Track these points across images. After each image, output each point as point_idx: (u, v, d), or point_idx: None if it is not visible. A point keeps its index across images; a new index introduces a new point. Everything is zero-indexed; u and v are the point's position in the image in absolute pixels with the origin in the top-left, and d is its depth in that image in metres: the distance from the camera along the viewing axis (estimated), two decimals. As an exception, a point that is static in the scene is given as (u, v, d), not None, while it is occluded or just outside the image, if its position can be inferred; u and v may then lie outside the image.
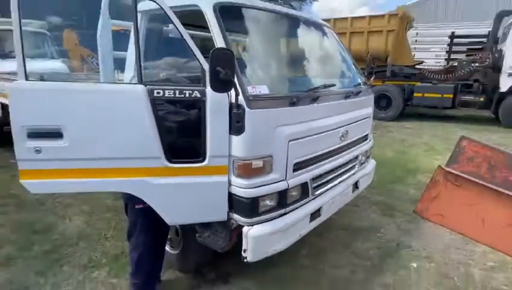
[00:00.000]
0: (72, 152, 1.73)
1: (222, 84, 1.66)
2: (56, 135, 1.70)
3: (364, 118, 2.91)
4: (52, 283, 2.53)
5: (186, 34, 1.79)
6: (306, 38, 2.81)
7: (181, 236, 2.47)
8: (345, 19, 10.70)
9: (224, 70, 1.61)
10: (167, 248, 2.61)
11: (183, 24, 1.80)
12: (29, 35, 7.08)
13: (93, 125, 1.74)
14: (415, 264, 2.80)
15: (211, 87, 1.66)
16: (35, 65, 6.11)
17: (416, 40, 13.10)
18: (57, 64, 6.47)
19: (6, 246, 3.02)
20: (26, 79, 1.66)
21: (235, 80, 1.70)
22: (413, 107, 10.36)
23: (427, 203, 3.61)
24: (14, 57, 1.71)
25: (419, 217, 3.64)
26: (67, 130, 1.70)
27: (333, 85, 2.59)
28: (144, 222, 2.10)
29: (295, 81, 2.49)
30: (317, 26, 2.96)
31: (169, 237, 2.58)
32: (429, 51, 13.27)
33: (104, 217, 3.56)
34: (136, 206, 2.06)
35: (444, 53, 12.54)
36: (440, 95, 9.31)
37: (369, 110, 3.07)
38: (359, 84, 3.02)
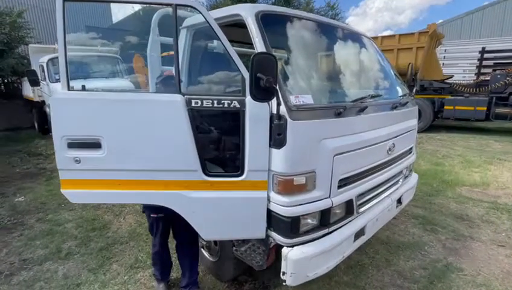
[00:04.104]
0: (109, 163, 1.45)
1: (263, 93, 1.28)
2: (95, 145, 1.43)
3: (411, 130, 2.36)
4: (101, 281, 2.31)
5: (227, 42, 1.44)
6: (348, 48, 2.33)
7: (219, 246, 2.10)
8: (376, 37, 9.85)
9: (266, 77, 1.23)
10: (206, 254, 2.28)
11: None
12: (105, 59, 7.37)
13: (130, 135, 1.45)
14: (471, 293, 2.15)
15: (251, 95, 1.29)
16: (108, 83, 6.29)
17: (444, 57, 11.75)
18: (124, 82, 6.57)
19: (69, 241, 2.90)
20: (68, 90, 1.42)
21: (277, 87, 1.31)
22: (442, 120, 9.20)
23: None
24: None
25: (466, 235, 2.92)
26: (105, 140, 1.43)
27: (380, 95, 2.09)
28: (158, 228, 2.02)
29: (339, 91, 2.04)
30: (359, 37, 2.47)
31: (207, 245, 2.25)
32: (457, 66, 11.87)
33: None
34: (152, 215, 1.96)
35: (474, 68, 11.07)
36: (473, 108, 8.13)
37: (414, 121, 2.50)
38: (404, 95, 2.46)
